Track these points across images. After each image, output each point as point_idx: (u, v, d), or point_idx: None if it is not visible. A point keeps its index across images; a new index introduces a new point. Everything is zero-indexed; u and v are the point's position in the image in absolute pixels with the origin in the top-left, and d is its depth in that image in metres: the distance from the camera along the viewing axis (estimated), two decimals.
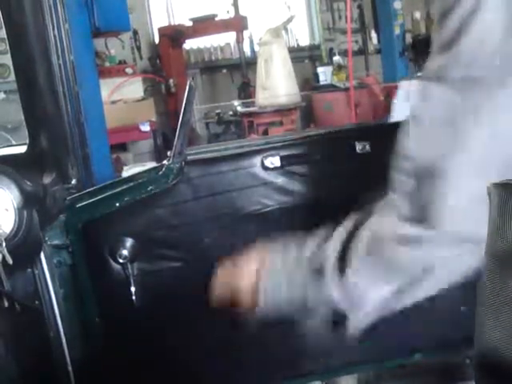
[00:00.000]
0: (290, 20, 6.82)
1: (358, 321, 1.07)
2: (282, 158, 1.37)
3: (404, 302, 1.04)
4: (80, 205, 1.32)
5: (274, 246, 1.17)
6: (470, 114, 0.83)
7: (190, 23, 7.38)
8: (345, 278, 1.04)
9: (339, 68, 8.06)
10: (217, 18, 7.36)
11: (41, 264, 1.30)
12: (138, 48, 7.72)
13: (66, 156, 1.37)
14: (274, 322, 1.32)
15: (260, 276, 1.16)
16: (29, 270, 1.30)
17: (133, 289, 1.33)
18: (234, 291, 1.19)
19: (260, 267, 1.16)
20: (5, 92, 5.89)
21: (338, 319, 1.09)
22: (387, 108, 6.92)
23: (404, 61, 8.28)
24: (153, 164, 3.54)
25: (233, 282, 1.20)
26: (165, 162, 1.31)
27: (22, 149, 1.34)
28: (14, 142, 2.17)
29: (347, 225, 1.09)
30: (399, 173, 0.94)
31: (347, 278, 1.04)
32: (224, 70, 8.43)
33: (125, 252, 1.32)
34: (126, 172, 4.14)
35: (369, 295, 1.03)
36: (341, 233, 1.08)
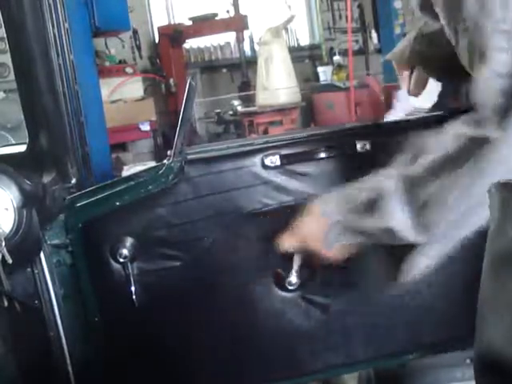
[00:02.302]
0: (290, 20, 6.79)
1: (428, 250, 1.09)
2: (282, 157, 1.37)
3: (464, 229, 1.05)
4: (80, 204, 1.32)
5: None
6: None
7: (190, 22, 7.37)
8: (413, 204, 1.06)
9: (339, 68, 8.05)
10: (217, 18, 7.35)
11: (40, 263, 1.30)
12: (138, 47, 7.70)
13: (66, 155, 1.37)
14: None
15: (325, 221, 1.19)
16: (28, 269, 1.30)
17: (133, 288, 1.33)
18: (304, 239, 1.23)
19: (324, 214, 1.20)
20: (4, 91, 5.89)
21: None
22: (387, 108, 6.93)
23: None
24: (153, 163, 3.54)
25: (302, 231, 1.24)
26: (165, 161, 1.31)
27: (22, 148, 1.34)
28: (13, 142, 2.17)
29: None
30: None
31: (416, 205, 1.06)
32: (224, 70, 8.42)
33: (125, 251, 1.32)
34: (126, 172, 4.14)
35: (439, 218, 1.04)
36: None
